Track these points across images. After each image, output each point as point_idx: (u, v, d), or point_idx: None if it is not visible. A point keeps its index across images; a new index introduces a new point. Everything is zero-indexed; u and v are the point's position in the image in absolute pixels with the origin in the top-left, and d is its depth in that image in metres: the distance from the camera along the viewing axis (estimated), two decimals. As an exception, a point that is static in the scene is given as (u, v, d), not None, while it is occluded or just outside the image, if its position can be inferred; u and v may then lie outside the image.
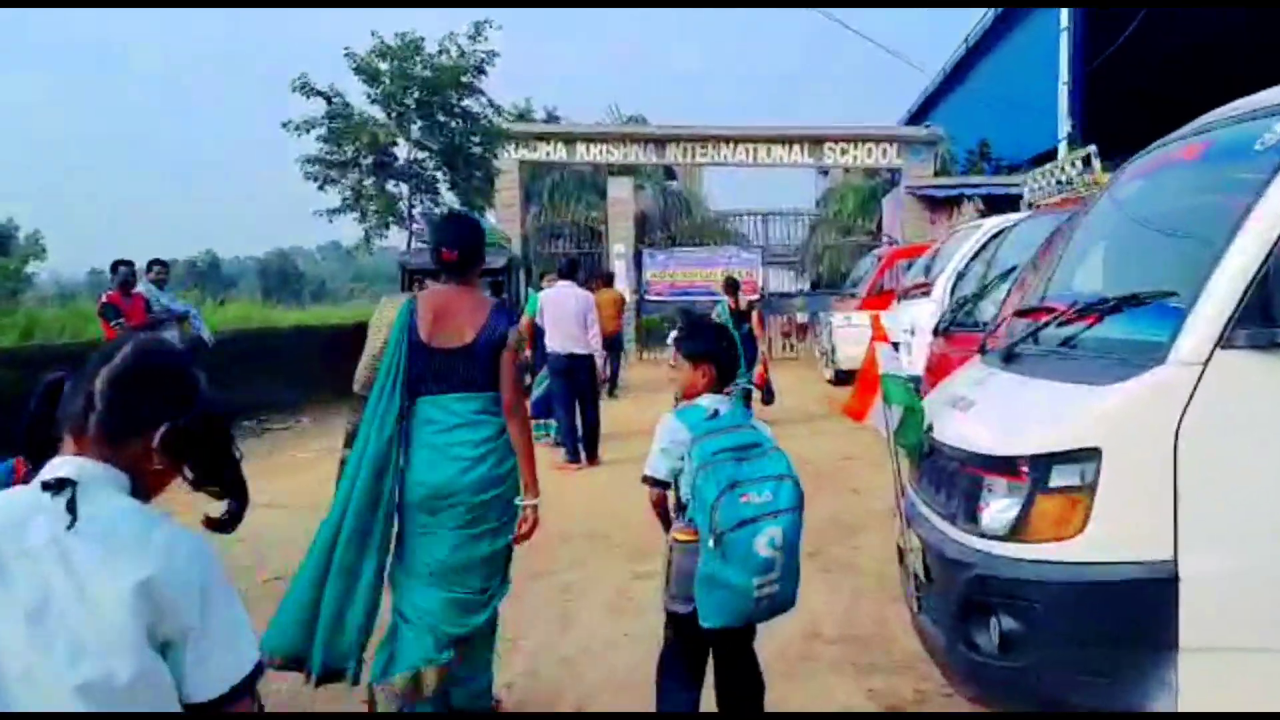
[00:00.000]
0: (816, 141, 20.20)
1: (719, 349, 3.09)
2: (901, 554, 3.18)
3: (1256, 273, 2.16)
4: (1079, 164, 5.27)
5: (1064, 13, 20.37)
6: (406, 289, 13.63)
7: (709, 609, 2.76)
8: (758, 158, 20.40)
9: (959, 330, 5.62)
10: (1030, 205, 8.39)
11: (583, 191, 26.81)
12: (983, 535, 2.48)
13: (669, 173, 29.83)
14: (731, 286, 11.07)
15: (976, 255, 8.27)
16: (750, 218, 23.95)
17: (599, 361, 8.68)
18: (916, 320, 8.44)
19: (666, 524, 3.03)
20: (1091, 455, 2.26)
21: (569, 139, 20.84)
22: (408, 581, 3.16)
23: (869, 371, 3.10)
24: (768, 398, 10.59)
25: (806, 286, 26.07)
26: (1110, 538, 2.25)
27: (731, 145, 20.39)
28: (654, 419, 3.11)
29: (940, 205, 19.59)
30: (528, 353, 9.75)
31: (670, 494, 2.99)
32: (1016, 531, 2.38)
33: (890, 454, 3.05)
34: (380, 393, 3.10)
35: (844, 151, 20.31)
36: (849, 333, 10.92)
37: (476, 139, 16.85)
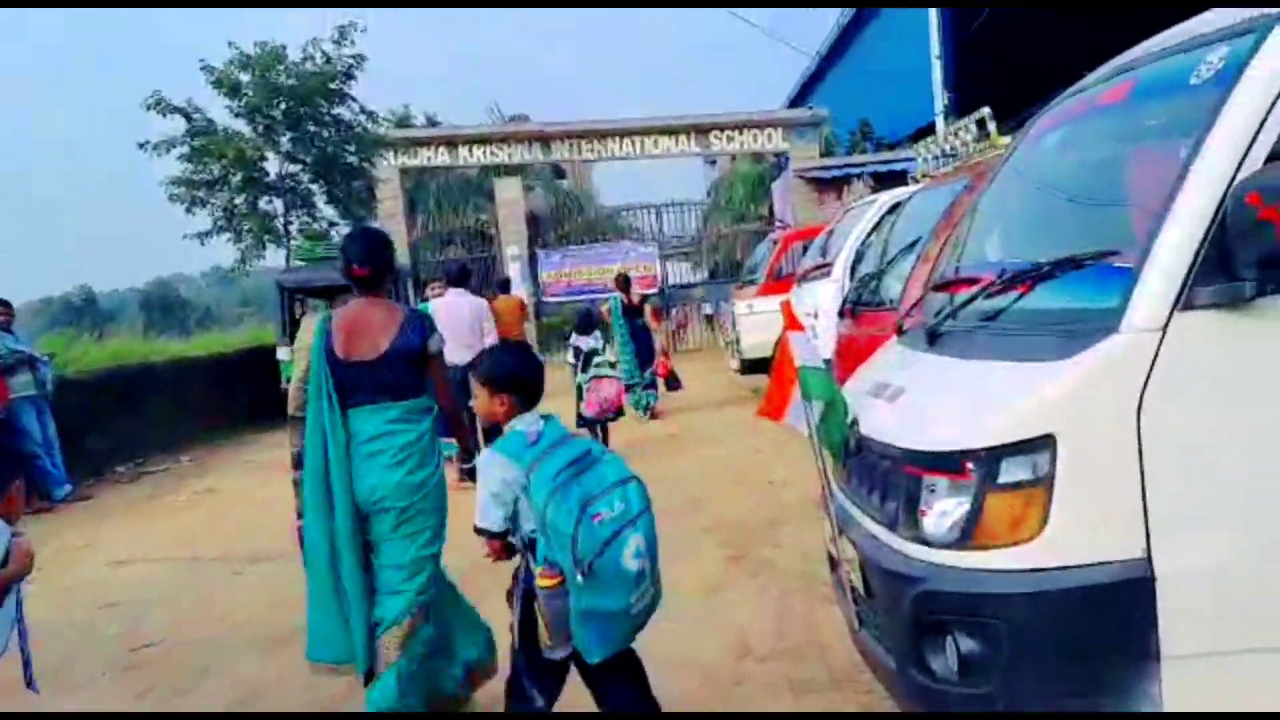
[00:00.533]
0: (702, 131, 20.00)
1: (517, 373, 2.81)
2: (834, 563, 2.87)
3: (1213, 219, 1.89)
4: (972, 128, 5.08)
5: (931, -14, 20.72)
6: (285, 309, 12.88)
7: (592, 643, 2.56)
8: (645, 149, 20.09)
9: (865, 309, 5.39)
10: (921, 177, 8.28)
11: (470, 195, 26.10)
12: (928, 543, 2.17)
13: (558, 172, 29.34)
14: (624, 283, 11.44)
15: (873, 232, 8.12)
16: (644, 211, 23.54)
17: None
18: (819, 302, 8.23)
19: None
20: (1044, 444, 1.97)
21: (450, 142, 20.16)
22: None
23: (783, 365, 2.77)
24: (674, 384, 11.03)
25: (704, 276, 25.91)
26: (1073, 537, 1.96)
27: (618, 139, 20.04)
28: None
29: (828, 186, 19.64)
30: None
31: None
32: (966, 537, 2.08)
33: (815, 454, 2.73)
34: (319, 410, 3.20)
35: (730, 139, 20.17)
36: (752, 320, 10.69)
37: (351, 148, 16.10)
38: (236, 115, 14.86)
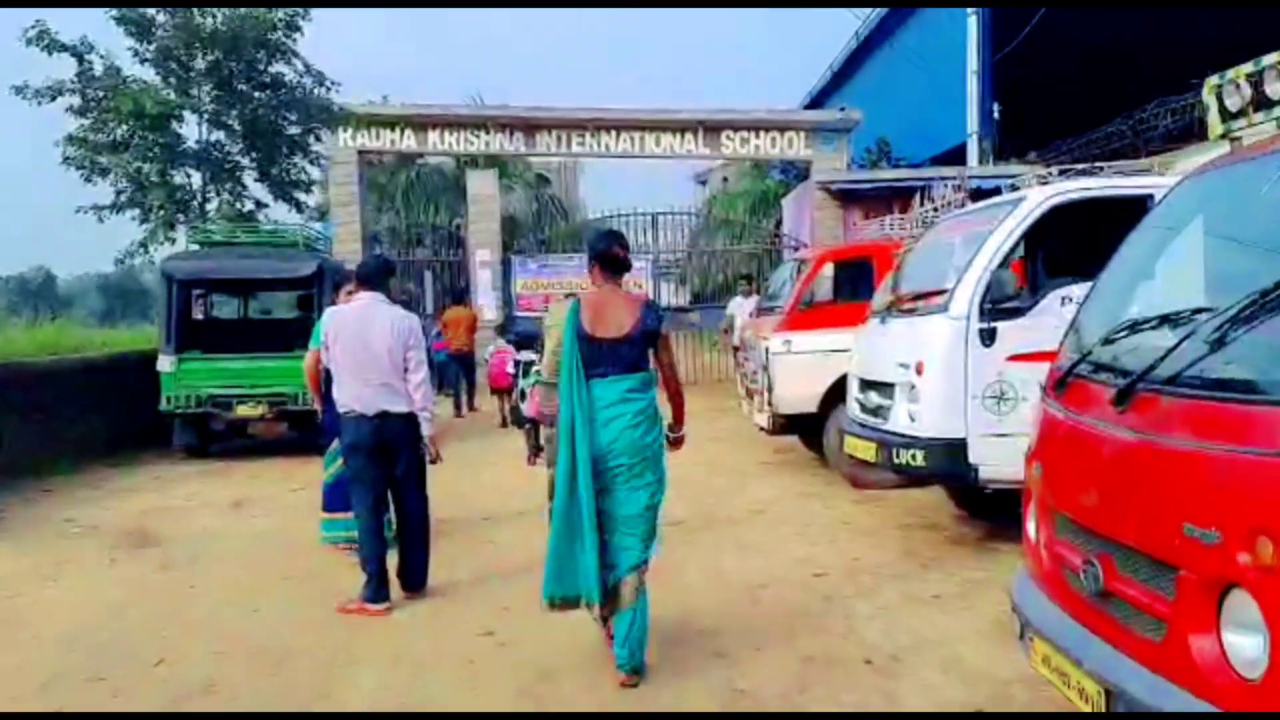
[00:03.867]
0: (713, 129, 17.24)
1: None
2: None
3: None
4: None
5: (971, -3, 18.30)
6: (173, 306, 9.90)
7: None
8: (645, 147, 17.31)
9: (1149, 391, 2.57)
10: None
11: (444, 192, 23.26)
12: None
13: (541, 179, 26.65)
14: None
15: (1016, 248, 5.38)
16: (635, 219, 20.42)
17: (425, 425, 5.24)
18: (926, 350, 5.43)
19: None
20: None
21: (419, 124, 17.24)
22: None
23: None
24: None
25: (689, 299, 23.07)
26: None
27: (613, 133, 17.24)
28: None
29: (855, 202, 16.94)
30: (316, 405, 6.32)
31: None
32: None
33: None
34: (569, 377, 3.94)
35: (744, 141, 17.41)
36: (792, 363, 7.90)
37: (293, 116, 13.19)
38: (143, 61, 11.94)
